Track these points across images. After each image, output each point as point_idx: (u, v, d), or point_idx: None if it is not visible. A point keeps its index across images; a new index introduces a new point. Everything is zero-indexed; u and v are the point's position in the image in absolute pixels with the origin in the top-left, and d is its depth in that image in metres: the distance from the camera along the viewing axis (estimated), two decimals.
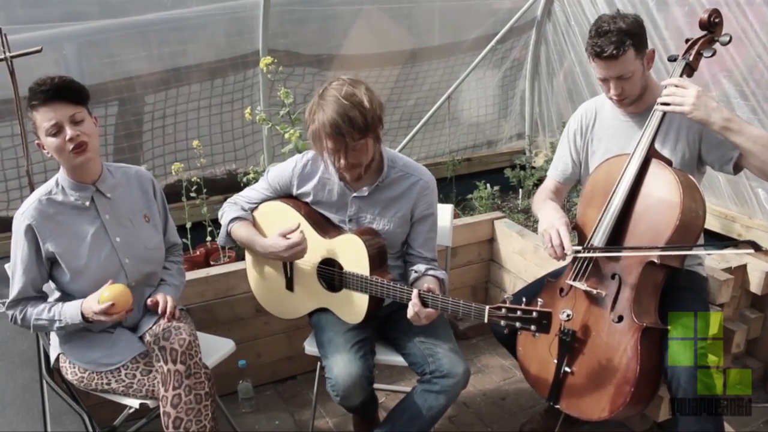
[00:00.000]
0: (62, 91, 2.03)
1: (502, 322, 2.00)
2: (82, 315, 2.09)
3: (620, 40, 2.16)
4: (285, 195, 2.47)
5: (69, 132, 2.03)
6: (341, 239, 2.31)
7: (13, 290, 2.17)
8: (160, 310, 2.21)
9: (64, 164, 2.14)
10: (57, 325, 2.14)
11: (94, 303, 2.05)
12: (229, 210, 2.49)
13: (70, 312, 2.11)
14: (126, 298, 2.07)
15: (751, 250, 2.00)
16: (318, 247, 2.35)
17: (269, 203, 2.47)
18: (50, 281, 2.24)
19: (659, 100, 2.20)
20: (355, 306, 2.30)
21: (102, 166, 2.23)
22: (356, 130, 2.10)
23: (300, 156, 2.42)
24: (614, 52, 2.16)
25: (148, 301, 2.26)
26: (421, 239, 2.41)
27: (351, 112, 2.08)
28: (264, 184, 2.49)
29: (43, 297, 2.23)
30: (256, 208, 2.49)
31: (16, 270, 2.16)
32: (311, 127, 2.16)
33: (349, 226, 2.38)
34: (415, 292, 2.13)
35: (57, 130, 2.03)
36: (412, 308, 2.12)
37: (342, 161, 2.18)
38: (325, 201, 2.39)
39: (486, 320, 2.03)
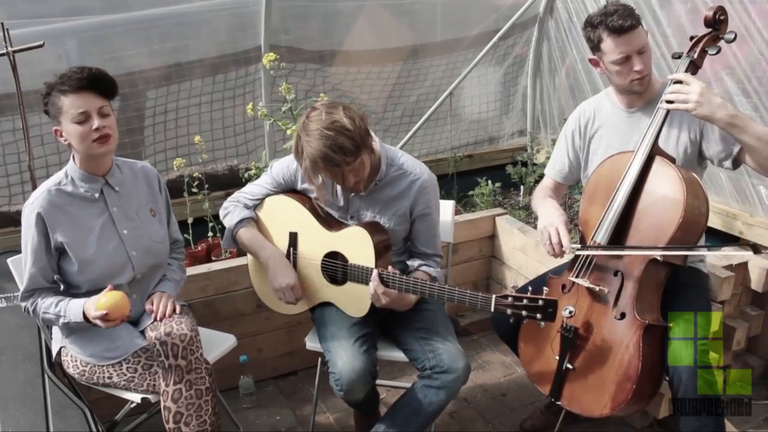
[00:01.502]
0: (97, 83, 2.06)
1: (509, 311, 2.02)
2: (84, 315, 2.09)
3: (631, 13, 2.21)
4: (288, 189, 2.48)
5: (96, 122, 2.05)
6: (346, 232, 2.32)
7: (25, 281, 2.18)
8: (153, 316, 2.21)
9: (82, 153, 2.13)
10: (62, 320, 2.15)
11: (92, 307, 2.06)
12: (233, 210, 2.48)
13: (74, 310, 2.12)
14: (122, 306, 2.06)
15: (750, 252, 2.00)
16: (323, 241, 2.35)
17: (274, 198, 2.47)
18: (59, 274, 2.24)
19: (664, 97, 2.20)
20: (359, 299, 2.30)
21: (112, 161, 2.25)
22: (349, 155, 2.08)
23: None
24: (633, 22, 2.20)
25: (146, 307, 2.26)
26: (423, 238, 2.42)
27: (339, 140, 2.05)
28: (267, 179, 2.49)
29: (54, 288, 2.23)
30: (259, 203, 2.49)
31: (27, 260, 2.16)
32: (304, 164, 2.14)
33: (350, 223, 2.39)
34: (375, 271, 2.16)
35: (84, 118, 2.05)
36: (371, 284, 2.16)
37: (344, 184, 2.21)
38: (327, 198, 2.39)
39: (492, 309, 2.04)
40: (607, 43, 2.24)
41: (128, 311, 2.09)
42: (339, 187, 2.36)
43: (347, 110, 2.12)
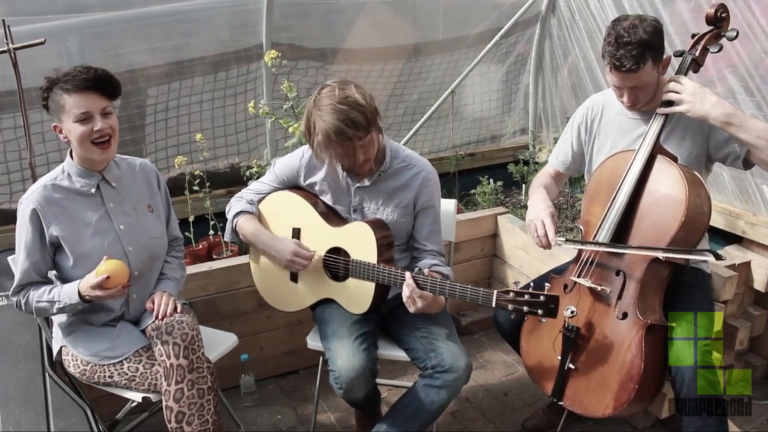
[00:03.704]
0: (102, 84, 2.06)
1: (510, 306, 2.02)
2: (79, 294, 2.08)
3: (640, 54, 2.10)
4: (292, 186, 2.48)
5: (99, 123, 2.06)
6: (349, 227, 2.32)
7: (17, 276, 2.17)
8: (154, 315, 2.20)
9: (80, 152, 2.13)
10: (57, 306, 2.13)
11: (90, 278, 2.05)
12: (235, 205, 2.50)
13: (68, 292, 2.10)
14: (122, 272, 2.06)
15: (711, 258, 2.02)
16: (325, 236, 2.35)
17: (277, 194, 2.48)
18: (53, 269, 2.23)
19: (662, 98, 2.20)
20: (360, 295, 2.30)
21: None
22: (360, 130, 2.11)
23: (306, 147, 2.43)
24: (633, 67, 2.11)
25: (147, 305, 2.25)
26: (426, 231, 2.41)
27: (351, 114, 2.09)
28: (271, 176, 2.51)
29: (46, 282, 2.22)
30: (264, 199, 2.50)
31: (20, 255, 2.16)
32: (316, 139, 2.16)
33: (353, 216, 2.39)
34: (408, 274, 2.14)
35: (86, 118, 2.05)
36: (407, 288, 2.14)
37: (354, 161, 2.20)
38: (331, 191, 2.41)
39: (494, 304, 2.04)
40: (607, 69, 2.22)
41: (128, 278, 2.09)
42: (341, 177, 2.37)
43: (358, 88, 2.18)
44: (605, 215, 2.22)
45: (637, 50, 2.10)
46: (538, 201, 2.43)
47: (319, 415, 2.86)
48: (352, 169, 2.31)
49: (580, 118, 2.55)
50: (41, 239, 2.14)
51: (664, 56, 2.22)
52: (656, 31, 2.14)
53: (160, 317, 2.19)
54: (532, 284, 2.05)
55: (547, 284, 2.05)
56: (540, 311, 1.98)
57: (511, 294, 2.02)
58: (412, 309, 2.16)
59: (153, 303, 2.23)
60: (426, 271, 2.18)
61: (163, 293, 2.27)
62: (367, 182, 2.34)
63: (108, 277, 2.02)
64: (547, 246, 2.29)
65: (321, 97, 2.15)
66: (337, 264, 2.34)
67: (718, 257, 2.01)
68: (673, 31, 3.39)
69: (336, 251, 2.35)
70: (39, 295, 2.15)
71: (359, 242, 2.28)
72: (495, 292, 2.04)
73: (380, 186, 2.36)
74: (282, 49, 3.48)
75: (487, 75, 4.89)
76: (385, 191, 2.36)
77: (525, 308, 2.00)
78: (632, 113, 2.38)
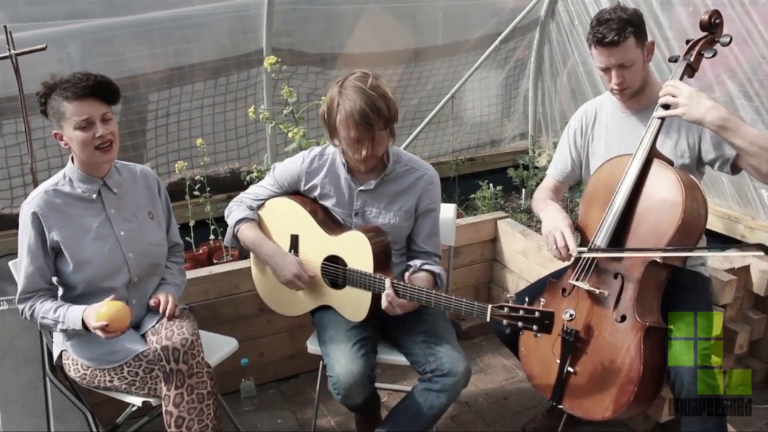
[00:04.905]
0: (101, 90, 2.08)
1: (504, 322, 2.01)
2: (83, 323, 2.09)
3: (621, 27, 2.19)
4: (291, 191, 2.49)
5: (100, 129, 2.07)
6: (346, 236, 2.32)
7: (22, 282, 2.17)
8: (161, 310, 2.22)
9: (83, 158, 2.14)
10: (60, 327, 2.14)
11: (93, 316, 2.05)
12: (236, 210, 2.49)
13: (73, 317, 2.11)
14: (123, 318, 2.05)
15: (761, 253, 1.99)
16: (323, 245, 2.35)
17: (276, 200, 2.48)
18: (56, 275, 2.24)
19: (659, 102, 2.21)
20: (357, 304, 2.31)
21: (111, 163, 2.25)
22: (382, 120, 2.15)
23: (307, 152, 2.44)
24: (615, 38, 2.19)
25: (150, 302, 2.26)
26: (425, 234, 2.42)
27: (378, 102, 2.13)
28: (271, 181, 2.50)
29: (52, 290, 2.23)
30: (262, 205, 2.50)
31: (23, 260, 2.16)
32: (338, 117, 2.17)
33: (354, 220, 2.39)
34: (387, 281, 2.16)
35: (87, 125, 2.06)
36: (385, 298, 2.16)
37: (363, 152, 2.20)
38: (332, 195, 2.41)
39: (488, 319, 2.04)
40: (593, 51, 2.30)
41: (128, 323, 2.08)
42: (344, 179, 2.38)
43: (387, 86, 2.21)
44: (603, 219, 2.23)
45: (617, 24, 2.20)
46: (554, 212, 2.40)
47: (320, 420, 2.86)
48: (355, 164, 2.32)
49: (575, 125, 2.58)
50: (43, 243, 2.15)
51: (648, 41, 2.29)
52: (636, 14, 2.26)
53: (166, 314, 2.20)
54: (527, 298, 2.05)
55: (542, 299, 2.06)
56: (535, 327, 1.98)
57: (506, 309, 2.02)
58: (392, 314, 2.20)
59: (158, 299, 2.24)
60: (407, 276, 2.20)
61: (168, 294, 2.28)
62: (372, 185, 2.35)
63: (107, 325, 2.02)
64: (567, 258, 2.27)
65: (351, 79, 2.18)
66: (335, 272, 2.35)
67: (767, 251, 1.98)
68: (672, 36, 3.41)
69: (334, 259, 2.36)
70: (45, 312, 2.15)
71: (356, 251, 2.28)
72: (489, 307, 2.04)
73: (383, 189, 2.37)
74: (282, 55, 3.49)
75: (487, 80, 4.90)
76: (387, 194, 2.37)
77: (520, 324, 2.00)
78: (624, 114, 2.41)
